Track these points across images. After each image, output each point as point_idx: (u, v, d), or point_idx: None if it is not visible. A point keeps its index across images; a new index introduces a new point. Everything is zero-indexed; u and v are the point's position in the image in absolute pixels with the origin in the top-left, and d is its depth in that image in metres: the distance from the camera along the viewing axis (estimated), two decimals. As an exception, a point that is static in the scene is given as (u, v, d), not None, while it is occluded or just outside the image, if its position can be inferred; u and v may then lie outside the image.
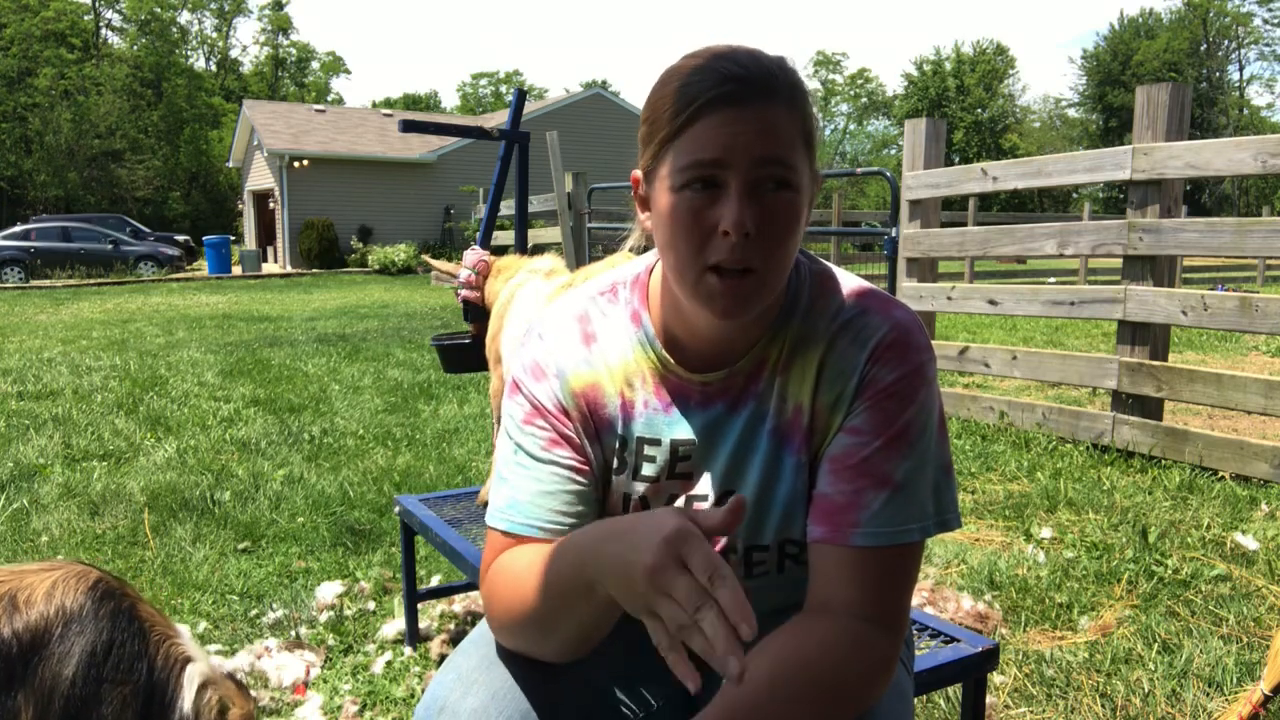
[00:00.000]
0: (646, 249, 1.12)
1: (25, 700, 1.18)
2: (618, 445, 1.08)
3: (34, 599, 1.23)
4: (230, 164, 31.85)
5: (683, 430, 1.05)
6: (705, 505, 1.06)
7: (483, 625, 1.08)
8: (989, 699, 2.05)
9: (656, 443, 1.06)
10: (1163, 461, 4.00)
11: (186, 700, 1.29)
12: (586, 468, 1.06)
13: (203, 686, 1.32)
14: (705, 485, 1.06)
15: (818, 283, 1.05)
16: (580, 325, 1.09)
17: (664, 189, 0.94)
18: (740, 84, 0.89)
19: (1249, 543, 2.98)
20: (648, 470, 1.07)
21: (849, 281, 1.05)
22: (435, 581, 2.74)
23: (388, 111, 33.02)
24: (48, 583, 1.26)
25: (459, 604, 2.64)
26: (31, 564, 1.34)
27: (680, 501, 1.07)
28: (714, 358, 1.04)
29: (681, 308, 1.01)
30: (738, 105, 0.89)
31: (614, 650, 1.08)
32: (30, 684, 1.19)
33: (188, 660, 1.33)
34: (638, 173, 1.00)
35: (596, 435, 1.08)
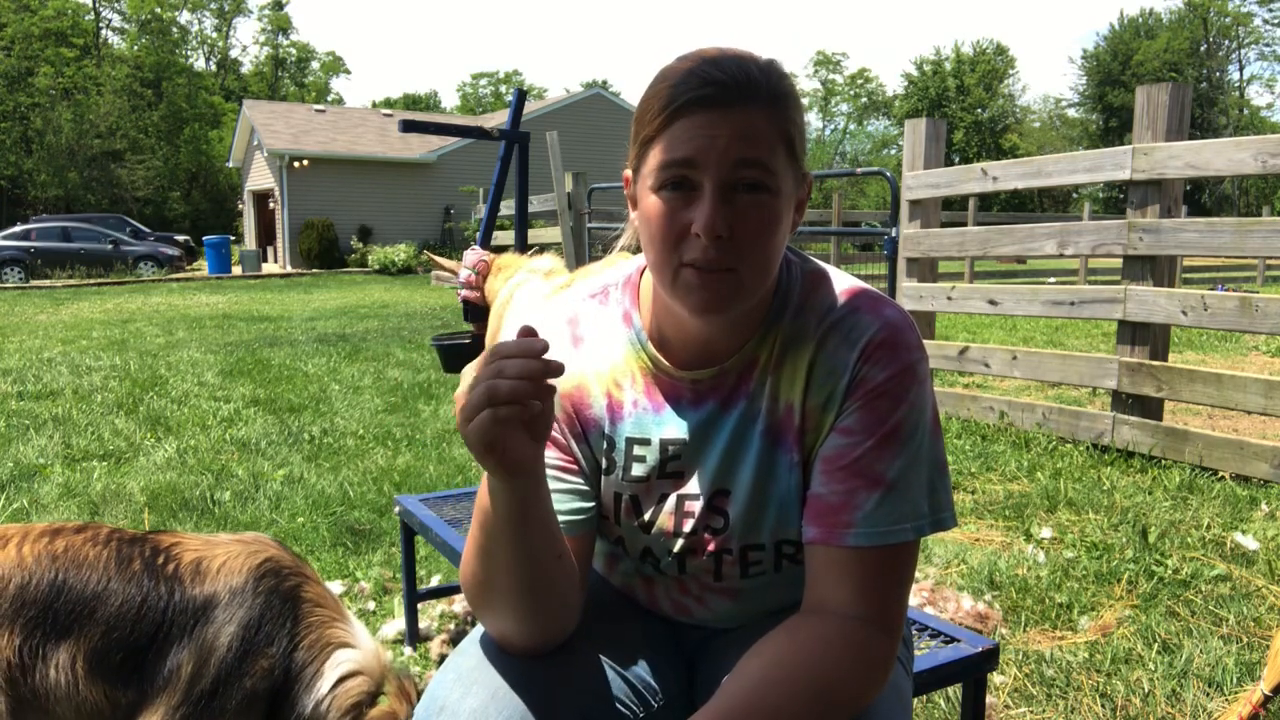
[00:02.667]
0: (639, 247, 1.13)
1: (188, 656, 1.33)
2: (605, 446, 1.08)
3: (211, 569, 1.39)
4: (230, 164, 31.86)
5: (673, 429, 1.06)
6: (697, 505, 1.06)
7: (481, 625, 1.08)
8: (989, 699, 2.05)
9: (646, 442, 1.07)
10: (1163, 461, 4.00)
11: (326, 683, 1.38)
12: (574, 467, 1.07)
13: (351, 674, 1.40)
14: (697, 484, 1.06)
15: (809, 282, 1.05)
16: (570, 328, 1.10)
17: (645, 188, 0.95)
18: (718, 87, 0.90)
19: (1249, 543, 2.98)
20: (637, 470, 1.07)
21: (841, 281, 1.05)
22: (435, 581, 2.74)
23: (388, 111, 33.02)
24: (223, 557, 1.40)
25: (459, 604, 2.63)
26: (224, 535, 1.48)
27: (671, 500, 1.07)
28: (704, 356, 1.04)
29: (670, 306, 1.02)
30: (714, 108, 0.90)
31: (613, 650, 1.08)
32: (195, 644, 1.34)
33: (341, 645, 1.41)
34: (628, 172, 1.01)
35: (583, 436, 1.08)
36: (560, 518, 1.03)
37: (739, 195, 0.92)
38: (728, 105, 0.90)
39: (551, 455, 1.06)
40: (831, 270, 1.08)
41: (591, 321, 1.10)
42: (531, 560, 0.94)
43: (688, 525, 1.07)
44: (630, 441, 1.07)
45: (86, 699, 1.32)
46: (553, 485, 1.04)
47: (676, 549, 1.09)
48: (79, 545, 1.39)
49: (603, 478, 1.10)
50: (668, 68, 0.96)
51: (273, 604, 1.38)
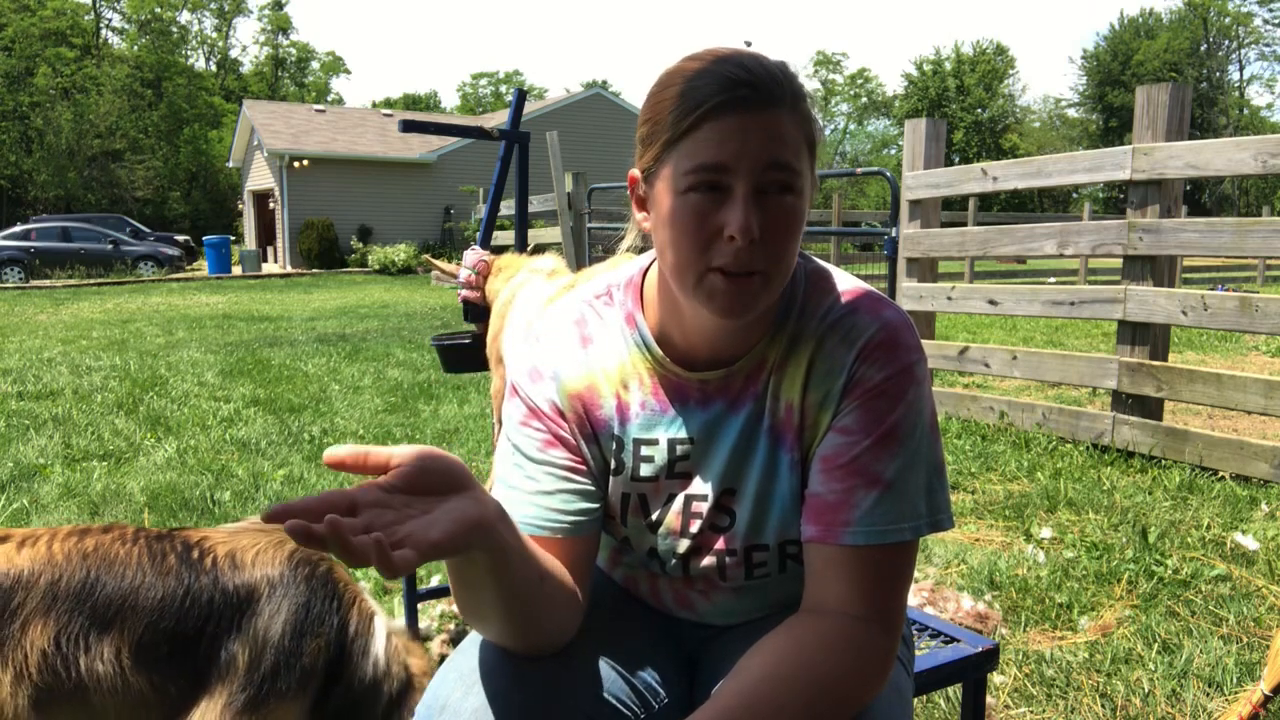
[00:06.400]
0: (644, 249, 1.12)
1: (240, 648, 1.39)
2: (614, 446, 1.08)
3: (245, 561, 1.45)
4: (230, 164, 31.85)
5: (681, 429, 1.06)
6: (705, 505, 1.06)
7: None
8: (989, 699, 2.05)
9: (654, 443, 1.07)
10: (1163, 461, 4.00)
11: (379, 643, 1.51)
12: (584, 468, 1.07)
13: (389, 636, 1.55)
14: (705, 484, 1.06)
15: (812, 282, 1.05)
16: (577, 328, 1.10)
17: (667, 191, 0.94)
18: (748, 89, 0.90)
19: (1249, 543, 2.98)
20: (646, 470, 1.07)
21: (843, 281, 1.06)
22: (435, 581, 2.74)
23: (388, 111, 33.02)
24: (255, 549, 1.47)
25: (459, 604, 2.63)
26: (237, 525, 1.55)
27: (679, 500, 1.08)
28: (712, 358, 1.04)
29: (679, 308, 1.02)
30: (745, 110, 0.90)
31: (615, 650, 1.08)
32: (244, 635, 1.40)
33: (373, 614, 1.54)
34: (635, 172, 1.00)
35: (594, 436, 1.08)
36: (566, 519, 1.03)
37: (767, 198, 0.92)
38: (758, 108, 0.90)
39: (561, 455, 1.06)
40: (834, 270, 1.08)
41: (598, 322, 1.10)
42: (514, 593, 0.92)
43: (695, 525, 1.07)
44: (638, 442, 1.07)
45: (132, 688, 1.36)
46: (561, 486, 1.04)
47: (682, 550, 1.09)
48: (108, 543, 1.43)
49: (611, 478, 1.10)
50: (682, 69, 0.94)
51: (315, 589, 1.46)
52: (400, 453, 0.79)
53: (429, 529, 0.75)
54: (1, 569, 1.36)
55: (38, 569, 1.38)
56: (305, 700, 1.42)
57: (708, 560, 1.08)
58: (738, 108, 0.90)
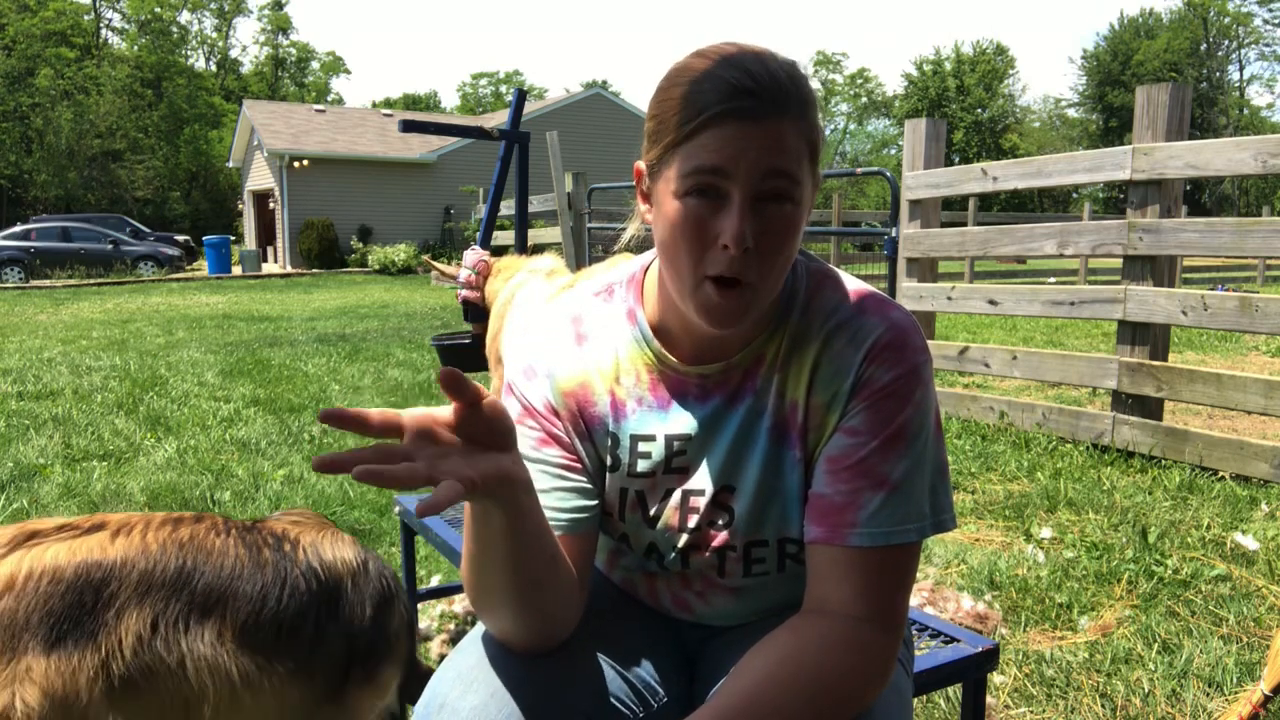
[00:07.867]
0: (645, 241, 1.13)
1: (341, 631, 1.50)
2: (610, 443, 1.08)
3: (324, 548, 1.54)
4: (230, 164, 31.84)
5: (679, 425, 1.06)
6: (702, 500, 1.07)
7: (482, 624, 1.08)
8: (989, 699, 2.05)
9: (651, 438, 1.07)
10: (1163, 461, 4.00)
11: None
12: (579, 466, 1.07)
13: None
14: (702, 479, 1.07)
15: (815, 281, 1.06)
16: (574, 326, 1.10)
17: (668, 192, 0.94)
18: (751, 98, 0.89)
19: (1249, 543, 2.98)
20: (643, 466, 1.08)
21: (847, 282, 1.06)
22: (435, 581, 2.74)
23: (388, 111, 33.00)
24: (324, 537, 1.57)
25: (459, 604, 2.63)
26: (295, 514, 1.63)
27: (677, 495, 1.08)
28: (712, 352, 1.05)
29: (679, 303, 1.02)
30: (746, 119, 0.89)
31: (614, 649, 1.08)
32: (342, 618, 1.50)
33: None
34: (641, 165, 1.00)
35: (588, 434, 1.09)
36: (563, 516, 1.04)
37: (765, 206, 0.92)
38: (759, 116, 0.90)
39: (555, 454, 1.06)
40: (837, 271, 1.08)
41: (595, 319, 1.10)
42: (523, 565, 0.94)
43: (693, 520, 1.07)
44: (635, 438, 1.08)
45: (236, 669, 1.42)
46: (556, 484, 1.05)
47: (681, 544, 1.09)
48: (202, 534, 1.49)
49: (608, 474, 1.10)
50: (689, 66, 0.94)
51: (383, 571, 1.58)
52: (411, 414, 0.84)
53: (466, 467, 0.82)
54: (96, 558, 1.37)
55: (131, 559, 1.40)
56: (398, 661, 1.58)
57: (707, 554, 1.09)
58: (740, 116, 0.89)
